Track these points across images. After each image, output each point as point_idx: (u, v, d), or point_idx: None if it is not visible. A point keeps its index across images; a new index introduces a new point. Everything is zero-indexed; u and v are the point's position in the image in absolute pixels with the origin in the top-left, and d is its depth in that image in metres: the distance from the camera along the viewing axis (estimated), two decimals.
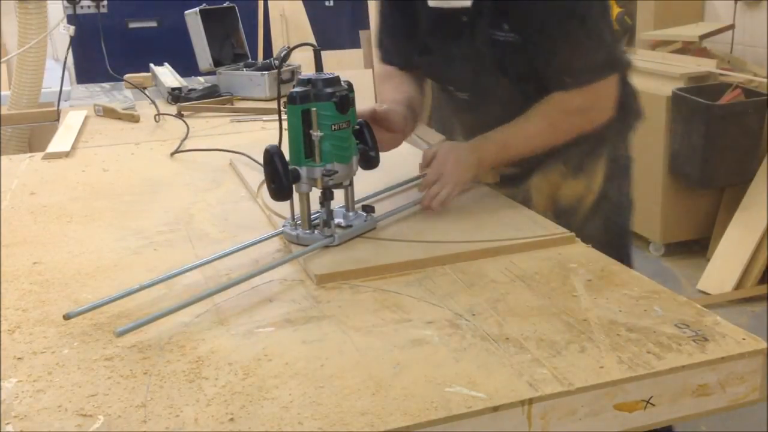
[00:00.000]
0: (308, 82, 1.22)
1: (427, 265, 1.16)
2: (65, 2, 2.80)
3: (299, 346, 0.95)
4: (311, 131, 1.20)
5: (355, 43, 5.78)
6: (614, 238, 1.50)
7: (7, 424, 0.80)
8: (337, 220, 1.27)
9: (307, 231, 1.24)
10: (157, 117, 2.33)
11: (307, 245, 1.21)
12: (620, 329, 0.96)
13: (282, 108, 1.28)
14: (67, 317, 1.00)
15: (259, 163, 1.70)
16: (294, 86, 1.23)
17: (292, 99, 1.21)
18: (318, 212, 1.27)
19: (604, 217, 1.51)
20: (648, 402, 0.87)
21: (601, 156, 1.51)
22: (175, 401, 0.84)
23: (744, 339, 0.93)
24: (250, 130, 2.20)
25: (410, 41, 1.50)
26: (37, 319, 1.05)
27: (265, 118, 2.34)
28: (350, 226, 1.26)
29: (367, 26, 5.73)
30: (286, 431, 0.78)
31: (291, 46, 1.40)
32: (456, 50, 1.46)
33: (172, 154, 1.90)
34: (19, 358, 0.94)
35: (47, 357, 0.95)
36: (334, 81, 1.22)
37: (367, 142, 1.30)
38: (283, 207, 1.42)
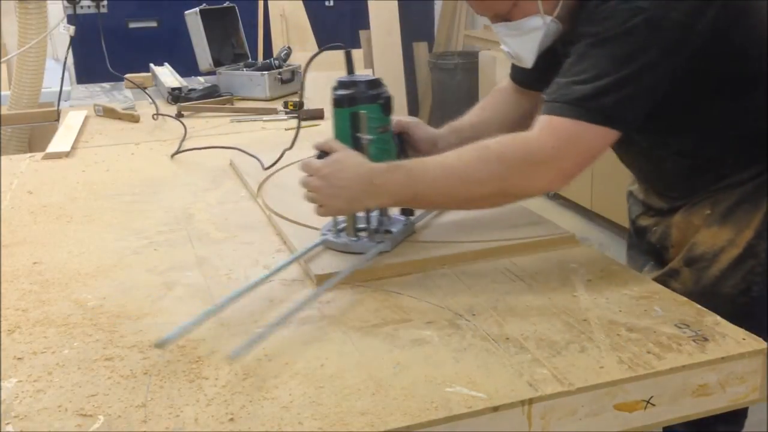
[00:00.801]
0: (352, 84, 1.19)
1: (427, 266, 1.16)
2: (65, 2, 2.79)
3: (299, 346, 0.95)
4: (359, 134, 1.18)
5: (355, 43, 5.78)
6: (754, 305, 1.25)
7: (7, 424, 0.80)
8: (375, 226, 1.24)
9: (354, 238, 1.21)
10: (155, 116, 2.33)
11: (357, 253, 1.18)
12: (620, 329, 0.96)
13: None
14: (159, 346, 0.93)
15: (258, 159, 1.71)
16: (335, 88, 1.19)
17: (339, 102, 1.18)
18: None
19: (744, 278, 1.26)
20: (648, 402, 0.87)
21: (760, 208, 1.25)
22: (175, 401, 0.84)
23: (744, 339, 0.93)
24: (250, 130, 2.20)
25: (537, 65, 1.32)
26: (37, 319, 1.05)
27: (265, 118, 2.34)
28: (391, 231, 1.23)
29: (367, 26, 5.74)
30: (286, 431, 0.78)
31: (314, 51, 1.33)
32: None
33: (173, 155, 1.89)
34: (19, 358, 0.94)
35: (47, 357, 0.95)
36: (378, 83, 1.20)
37: (401, 147, 1.29)
38: (283, 207, 1.42)
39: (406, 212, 1.27)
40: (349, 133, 1.18)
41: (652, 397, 0.87)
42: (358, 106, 1.17)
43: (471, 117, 1.46)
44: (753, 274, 1.25)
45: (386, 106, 1.19)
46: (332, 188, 1.12)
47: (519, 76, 1.47)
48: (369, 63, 5.67)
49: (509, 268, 1.15)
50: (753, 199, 1.25)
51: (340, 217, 1.22)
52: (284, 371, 0.89)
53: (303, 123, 2.26)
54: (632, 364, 0.88)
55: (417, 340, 0.95)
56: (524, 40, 1.23)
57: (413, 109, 5.99)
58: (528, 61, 1.25)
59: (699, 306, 1.02)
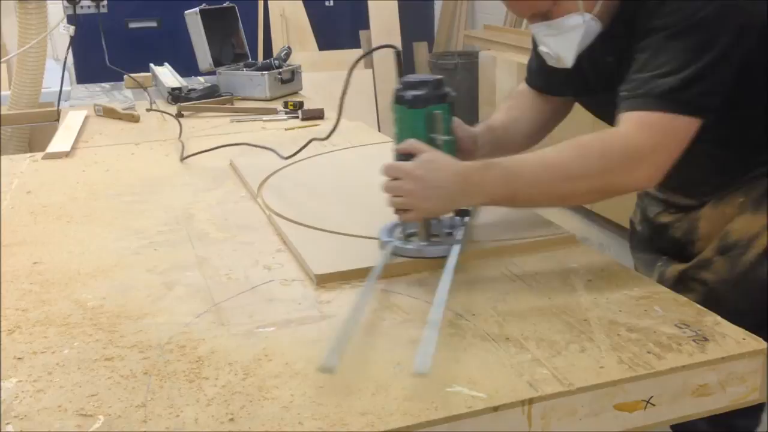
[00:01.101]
0: (422, 84, 1.17)
1: (428, 265, 1.16)
2: (65, 2, 2.79)
3: (299, 346, 0.95)
4: (434, 135, 1.16)
5: (355, 43, 5.78)
6: None
7: (7, 424, 0.80)
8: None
9: (424, 243, 1.19)
10: (148, 109, 2.33)
11: (432, 258, 1.16)
12: (620, 329, 0.96)
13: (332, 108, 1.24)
14: (326, 370, 0.86)
15: (274, 150, 1.70)
16: (402, 89, 1.17)
17: (413, 102, 1.16)
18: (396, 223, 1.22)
19: None
20: (648, 402, 0.87)
21: None
22: (175, 401, 0.84)
23: (744, 339, 0.93)
24: (250, 130, 2.20)
25: (560, 70, 1.32)
26: (37, 319, 1.05)
27: (265, 118, 2.34)
28: (451, 233, 1.21)
29: (367, 26, 5.74)
30: (286, 431, 0.78)
31: (380, 47, 1.30)
32: (607, 93, 1.27)
33: (182, 159, 1.88)
34: (19, 358, 0.94)
35: (47, 357, 0.95)
36: (443, 82, 1.19)
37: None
38: (283, 207, 1.42)
39: (462, 213, 1.25)
40: (423, 134, 1.16)
41: (652, 397, 0.87)
42: (432, 106, 1.16)
43: (501, 116, 1.46)
44: None
45: (453, 105, 1.19)
46: (427, 189, 1.09)
47: (536, 81, 1.46)
48: (369, 63, 5.67)
49: (509, 268, 1.15)
50: None
51: (400, 223, 1.20)
52: (284, 371, 0.89)
53: (303, 123, 2.26)
54: (632, 364, 0.88)
55: (417, 340, 0.95)
56: (564, 39, 1.22)
57: None
58: (568, 60, 1.24)
59: (699, 306, 1.02)
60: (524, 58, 4.94)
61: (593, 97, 1.37)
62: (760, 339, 0.92)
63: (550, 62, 1.28)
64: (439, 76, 1.19)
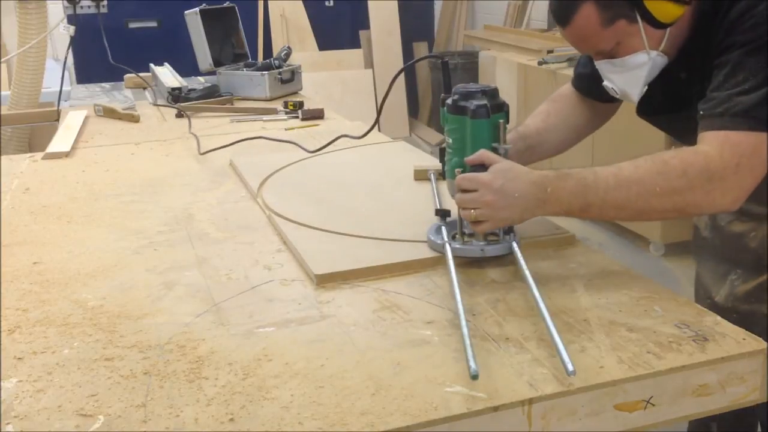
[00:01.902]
0: (481, 93, 1.16)
1: (427, 265, 1.16)
2: (65, 2, 2.80)
3: (299, 346, 0.95)
4: (496, 144, 1.16)
5: (355, 43, 5.79)
6: None
7: (7, 424, 0.80)
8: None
9: (483, 243, 1.18)
10: (155, 104, 2.33)
11: (496, 256, 1.16)
12: (620, 329, 0.96)
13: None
14: (475, 377, 0.84)
15: (298, 144, 1.70)
16: (457, 99, 1.17)
17: (478, 113, 1.15)
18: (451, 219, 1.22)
19: None
20: (648, 402, 0.87)
21: None
22: (175, 401, 0.84)
23: (744, 339, 0.93)
24: (250, 130, 2.20)
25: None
26: (37, 319, 1.05)
27: (265, 118, 2.34)
28: (496, 233, 1.20)
29: (367, 26, 5.74)
30: (286, 431, 0.78)
31: (418, 58, 1.30)
32: (677, 108, 1.26)
33: (202, 154, 1.89)
34: (19, 358, 0.94)
35: (47, 357, 0.95)
36: (497, 92, 1.18)
37: None
38: (283, 207, 1.42)
39: None
40: (489, 143, 1.16)
41: (652, 397, 0.87)
42: (496, 115, 1.16)
43: (537, 122, 1.44)
44: None
45: (509, 114, 1.19)
46: (507, 199, 1.09)
47: (584, 84, 1.44)
48: (369, 63, 5.67)
49: (509, 268, 1.15)
50: None
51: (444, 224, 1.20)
52: (284, 371, 0.89)
53: (303, 123, 2.26)
54: (632, 364, 0.88)
55: (417, 340, 0.95)
56: (629, 77, 1.21)
57: (413, 109, 6.00)
58: (634, 96, 1.23)
59: (699, 306, 1.02)
60: (524, 58, 4.93)
61: (659, 115, 1.34)
62: (760, 339, 0.92)
63: (614, 95, 1.27)
64: (494, 86, 1.19)
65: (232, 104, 2.55)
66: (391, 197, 1.49)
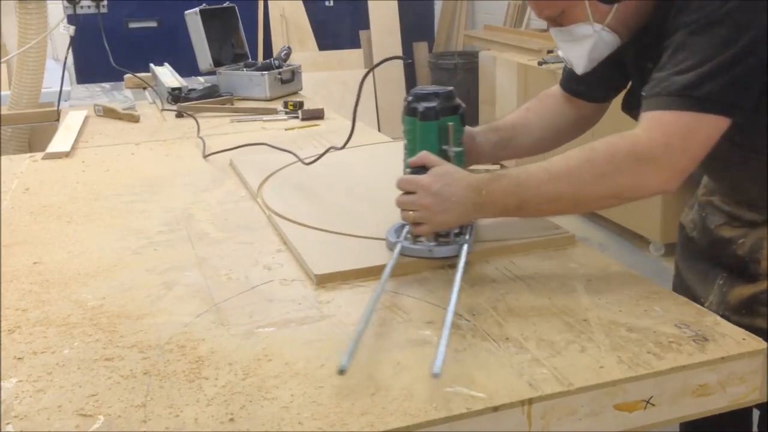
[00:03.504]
0: (434, 96, 1.17)
1: (428, 265, 1.16)
2: (65, 2, 2.80)
3: (299, 346, 0.95)
4: (446, 147, 1.17)
5: (355, 43, 5.79)
6: None
7: (7, 424, 0.80)
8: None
9: (434, 243, 1.18)
10: (161, 109, 2.33)
11: (444, 258, 1.16)
12: (620, 329, 0.96)
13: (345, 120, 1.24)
14: (342, 372, 0.86)
15: (294, 153, 1.70)
16: (414, 101, 1.18)
17: (427, 115, 1.16)
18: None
19: None
20: (648, 402, 0.87)
21: None
22: (175, 401, 0.84)
23: (744, 339, 0.93)
24: (250, 130, 2.20)
25: (605, 78, 1.30)
26: (37, 319, 1.05)
27: (265, 118, 2.34)
28: (459, 233, 1.21)
29: (367, 26, 5.74)
30: (286, 431, 0.78)
31: (387, 58, 1.29)
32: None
33: (205, 157, 1.88)
34: (19, 358, 0.94)
35: (47, 357, 0.95)
36: (453, 94, 1.19)
37: None
38: (283, 207, 1.42)
39: None
40: (436, 146, 1.17)
41: (652, 397, 0.87)
42: (446, 117, 1.16)
43: (514, 118, 1.43)
44: None
45: (464, 116, 1.19)
46: (444, 203, 1.10)
47: (571, 84, 1.42)
48: (369, 63, 5.67)
49: (509, 268, 1.15)
50: None
51: (408, 223, 1.19)
52: (284, 371, 0.89)
53: (303, 123, 2.26)
54: (632, 364, 0.88)
55: (417, 340, 0.95)
56: (576, 47, 1.21)
57: None
58: (579, 67, 1.23)
59: (699, 306, 1.02)
60: (524, 58, 4.94)
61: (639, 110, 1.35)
62: (760, 339, 0.92)
63: (567, 65, 1.26)
64: (449, 88, 1.19)
65: (232, 104, 2.55)
66: (392, 197, 1.49)
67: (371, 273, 1.14)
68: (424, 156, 1.14)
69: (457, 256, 1.12)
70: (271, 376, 0.88)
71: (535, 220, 1.31)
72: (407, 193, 1.13)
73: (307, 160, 1.60)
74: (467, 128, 1.33)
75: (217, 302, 1.08)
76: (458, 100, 1.20)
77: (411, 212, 1.13)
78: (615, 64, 1.23)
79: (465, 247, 1.14)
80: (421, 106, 1.17)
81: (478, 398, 0.82)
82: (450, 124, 1.16)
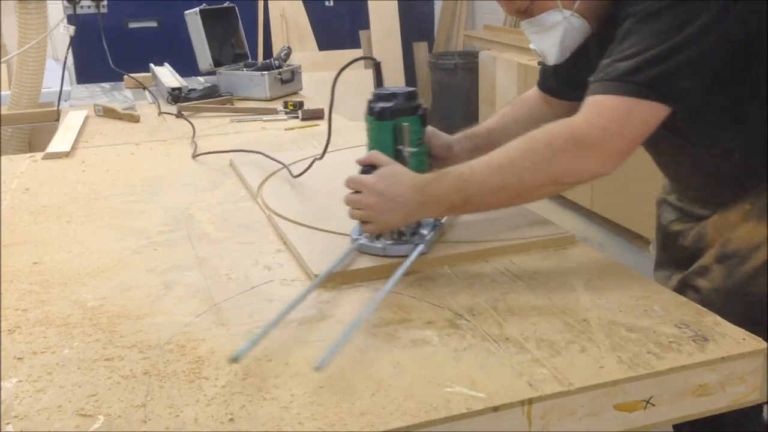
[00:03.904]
0: (392, 96, 1.18)
1: (427, 265, 1.16)
2: (65, 2, 2.80)
3: (299, 346, 0.95)
4: (400, 147, 1.18)
5: (355, 43, 5.79)
6: None
7: (7, 424, 0.80)
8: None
9: (390, 242, 1.19)
10: (160, 113, 2.34)
11: (398, 257, 1.16)
12: (620, 329, 0.96)
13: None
14: (235, 360, 0.89)
15: (274, 159, 1.70)
16: (374, 100, 1.19)
17: (382, 114, 1.17)
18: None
19: None
20: (648, 402, 0.87)
21: None
22: (175, 401, 0.84)
23: (744, 339, 0.93)
24: (250, 130, 2.20)
25: (579, 74, 1.29)
26: (37, 319, 1.05)
27: (265, 118, 2.34)
28: (422, 233, 1.22)
29: (367, 26, 5.74)
30: (286, 431, 0.78)
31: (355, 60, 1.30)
32: None
33: (194, 156, 1.89)
34: (19, 358, 0.94)
35: (47, 357, 0.95)
36: (415, 94, 1.20)
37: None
38: (283, 207, 1.42)
39: None
40: (391, 146, 1.18)
41: (652, 397, 0.87)
42: (401, 118, 1.17)
43: (489, 123, 1.43)
44: None
45: (424, 117, 1.20)
46: (389, 203, 1.11)
47: (548, 84, 1.43)
48: (369, 63, 5.66)
49: (509, 268, 1.15)
50: None
51: None
52: (284, 371, 0.89)
53: (303, 123, 2.26)
54: (632, 364, 0.88)
55: (417, 340, 0.95)
56: (547, 36, 1.21)
57: None
58: (551, 57, 1.24)
59: (699, 306, 1.02)
60: (524, 58, 4.93)
61: None
62: (760, 339, 0.92)
63: (539, 59, 1.27)
64: (411, 89, 1.20)
65: (232, 104, 2.55)
66: None
67: (371, 273, 1.14)
68: (373, 155, 1.16)
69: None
70: (271, 376, 0.88)
71: (535, 220, 1.31)
72: (356, 192, 1.14)
73: (296, 172, 1.61)
74: (444, 137, 1.35)
75: (217, 302, 1.08)
76: (419, 101, 1.20)
77: (357, 211, 1.14)
78: (585, 59, 1.24)
79: (419, 247, 1.16)
80: (378, 105, 1.18)
81: (478, 398, 0.82)
82: (405, 124, 1.17)
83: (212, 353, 0.94)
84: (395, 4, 5.72)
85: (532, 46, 1.27)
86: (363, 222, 1.15)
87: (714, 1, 1.04)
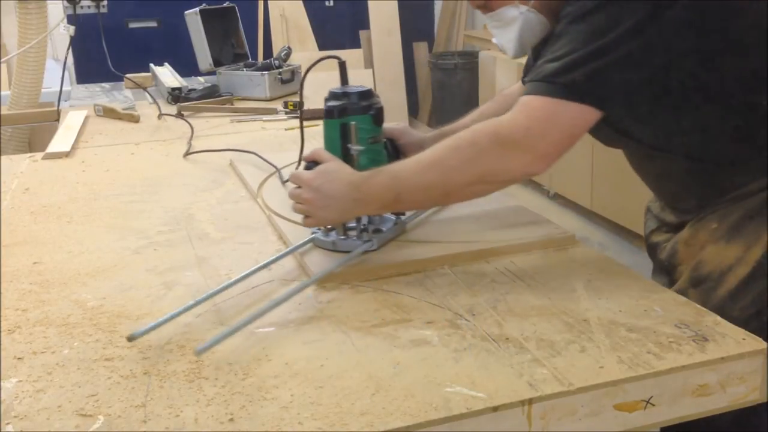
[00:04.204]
0: (343, 95, 1.20)
1: (427, 265, 1.16)
2: (65, 2, 2.80)
3: (299, 346, 0.95)
4: (349, 145, 1.19)
5: (355, 43, 5.79)
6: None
7: (7, 424, 0.80)
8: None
9: (342, 237, 1.22)
10: (160, 116, 2.34)
11: (345, 251, 1.18)
12: (620, 329, 0.96)
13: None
14: (131, 339, 0.96)
15: (267, 161, 1.70)
16: (327, 99, 1.21)
17: (329, 113, 1.19)
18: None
19: (754, 301, 1.14)
20: (648, 402, 0.87)
21: None
22: (175, 401, 0.84)
23: (744, 339, 0.92)
24: (250, 130, 2.20)
25: None
26: (37, 319, 1.05)
27: (265, 118, 2.34)
28: (381, 230, 1.24)
29: (367, 26, 5.74)
30: (286, 431, 0.78)
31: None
32: None
33: (185, 155, 1.90)
34: (19, 358, 0.94)
35: (47, 357, 0.95)
36: (369, 94, 1.21)
37: (395, 155, 1.31)
38: (283, 207, 1.42)
39: (396, 213, 1.27)
40: (339, 143, 1.20)
41: (652, 397, 0.87)
42: (349, 117, 1.19)
43: (466, 121, 1.44)
44: (764, 296, 1.13)
45: (377, 116, 1.21)
46: (323, 199, 1.13)
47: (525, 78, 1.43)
48: (369, 63, 5.67)
49: (509, 268, 1.15)
50: (763, 213, 1.15)
51: None
52: (284, 371, 0.89)
53: (304, 123, 2.26)
54: (632, 364, 0.88)
55: (417, 340, 0.95)
56: (506, 31, 1.23)
57: (413, 109, 6.00)
58: (510, 51, 1.25)
59: (699, 306, 1.02)
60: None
61: None
62: (760, 339, 0.92)
63: (503, 51, 1.29)
64: (366, 88, 1.22)
65: (232, 104, 2.55)
66: None
67: (371, 273, 1.14)
68: (316, 152, 1.18)
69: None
70: (271, 376, 0.88)
71: (535, 220, 1.31)
72: (298, 188, 1.16)
73: (287, 155, 1.64)
74: (416, 135, 1.37)
75: (217, 302, 1.08)
76: (373, 100, 1.21)
77: (298, 205, 1.16)
78: None
79: (365, 245, 1.18)
80: (327, 104, 1.20)
81: (478, 398, 0.82)
82: (352, 123, 1.18)
83: (212, 353, 0.94)
84: (395, 4, 5.72)
85: (494, 40, 1.29)
86: (304, 216, 1.17)
87: (645, 2, 1.03)
